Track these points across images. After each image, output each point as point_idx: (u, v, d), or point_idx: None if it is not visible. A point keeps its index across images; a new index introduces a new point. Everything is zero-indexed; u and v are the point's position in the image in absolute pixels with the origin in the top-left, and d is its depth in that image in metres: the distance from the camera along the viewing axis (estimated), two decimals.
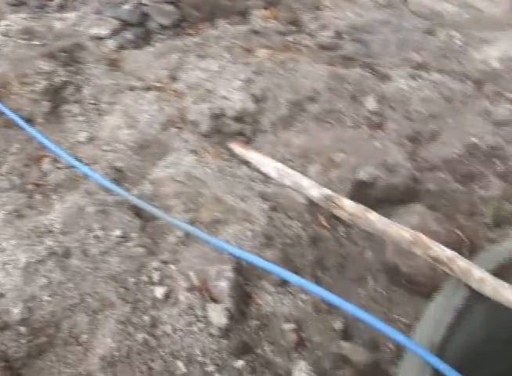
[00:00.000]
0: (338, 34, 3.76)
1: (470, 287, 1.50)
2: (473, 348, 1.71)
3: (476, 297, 1.54)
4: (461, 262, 1.47)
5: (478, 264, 1.55)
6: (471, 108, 3.14)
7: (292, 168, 2.61)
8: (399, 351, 1.72)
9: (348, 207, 1.59)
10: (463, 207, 2.66)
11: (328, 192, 1.63)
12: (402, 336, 1.51)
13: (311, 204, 2.47)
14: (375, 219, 1.56)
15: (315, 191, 1.66)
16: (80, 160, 2.69)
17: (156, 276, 2.17)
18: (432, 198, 2.67)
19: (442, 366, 1.41)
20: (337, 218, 2.36)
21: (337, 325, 2.15)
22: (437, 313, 1.47)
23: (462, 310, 1.50)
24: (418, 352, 1.42)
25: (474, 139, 2.95)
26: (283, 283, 2.22)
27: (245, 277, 2.20)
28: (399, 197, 2.63)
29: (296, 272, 2.25)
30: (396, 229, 1.54)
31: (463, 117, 3.07)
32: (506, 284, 1.43)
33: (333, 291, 2.26)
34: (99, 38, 3.59)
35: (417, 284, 2.24)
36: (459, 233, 2.46)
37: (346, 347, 2.07)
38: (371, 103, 3.07)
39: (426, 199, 2.66)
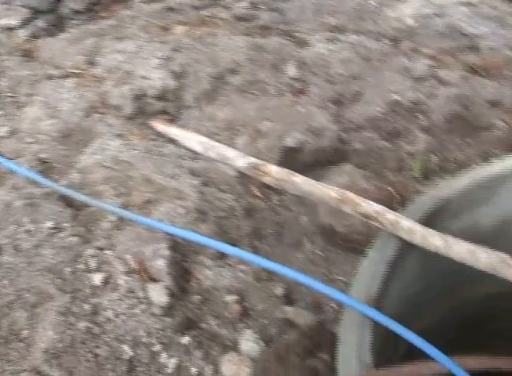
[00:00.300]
0: (253, 5, 3.75)
1: (400, 239, 1.53)
2: (410, 298, 1.75)
3: (408, 248, 1.57)
4: (389, 215, 1.49)
5: (406, 215, 1.58)
6: (390, 66, 3.18)
7: (219, 141, 2.60)
8: (342, 309, 1.75)
9: (274, 172, 1.60)
10: (391, 163, 2.71)
11: (253, 160, 1.64)
12: (339, 294, 1.53)
13: (243, 176, 2.47)
14: (301, 182, 1.57)
15: (241, 161, 1.66)
16: (3, 156, 2.62)
17: (93, 264, 2.14)
18: (360, 157, 2.71)
19: (382, 318, 1.43)
20: (269, 187, 2.37)
21: (279, 291, 2.17)
22: (371, 267, 1.49)
23: (395, 262, 1.53)
24: (356, 308, 1.44)
25: (395, 96, 2.99)
26: (222, 256, 2.22)
27: (182, 254, 2.20)
28: (328, 158, 2.66)
29: (233, 244, 2.26)
30: (322, 188, 1.56)
31: (382, 75, 3.11)
32: (433, 232, 1.46)
33: (271, 258, 2.29)
34: (10, 29, 3.48)
35: (353, 242, 2.28)
36: (389, 188, 2.51)
37: (290, 311, 2.09)
38: (292, 70, 3.08)
39: (354, 158, 2.70)
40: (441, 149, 2.81)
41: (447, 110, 2.93)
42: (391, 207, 1.83)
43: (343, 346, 1.38)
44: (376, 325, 1.44)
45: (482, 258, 1.37)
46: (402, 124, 2.88)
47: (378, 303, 1.45)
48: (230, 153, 1.75)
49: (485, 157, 2.70)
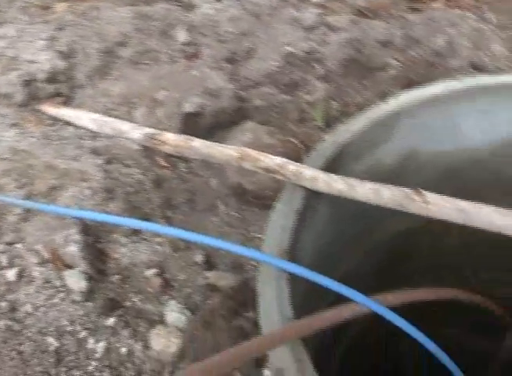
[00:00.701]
0: None
1: (306, 188, 1.53)
2: (323, 248, 1.77)
3: (314, 197, 1.57)
4: (291, 166, 1.49)
5: (309, 164, 1.58)
6: (279, 19, 3.16)
7: (117, 116, 2.54)
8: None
9: (171, 140, 1.57)
10: (292, 115, 2.72)
11: (149, 130, 1.60)
12: (252, 252, 1.53)
13: (147, 148, 2.43)
14: (199, 146, 1.55)
15: (136, 133, 1.62)
16: None
17: (4, 260, 2.07)
18: (261, 113, 2.70)
19: (296, 269, 1.43)
20: (175, 156, 2.34)
21: (199, 258, 2.16)
22: (280, 220, 1.49)
23: (303, 212, 1.53)
24: (270, 262, 1.44)
25: (288, 48, 2.99)
26: (136, 231, 2.19)
27: (94, 236, 2.14)
28: (229, 119, 2.63)
29: (146, 217, 2.23)
30: (222, 149, 1.54)
31: (273, 29, 3.10)
32: (335, 177, 1.47)
33: (187, 226, 2.28)
34: None
35: (264, 198, 2.28)
36: (293, 140, 2.52)
37: (211, 276, 2.09)
38: (182, 35, 3.03)
39: (256, 115, 2.69)
40: (340, 94, 2.83)
41: (340, 55, 2.95)
42: (297, 158, 1.84)
43: (263, 302, 1.37)
44: (294, 277, 1.45)
45: (386, 195, 1.39)
46: (298, 75, 2.89)
47: (292, 255, 1.46)
48: (125, 126, 1.70)
49: (383, 97, 2.74)
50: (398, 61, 2.97)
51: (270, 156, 1.53)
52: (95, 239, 2.14)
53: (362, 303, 1.41)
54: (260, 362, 1.75)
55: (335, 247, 1.88)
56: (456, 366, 1.79)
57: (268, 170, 1.50)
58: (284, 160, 1.52)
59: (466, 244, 2.16)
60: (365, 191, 1.41)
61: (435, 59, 2.98)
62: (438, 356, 1.65)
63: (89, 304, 1.96)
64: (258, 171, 1.53)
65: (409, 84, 2.77)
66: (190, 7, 3.25)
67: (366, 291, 1.65)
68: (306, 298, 1.60)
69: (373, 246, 2.09)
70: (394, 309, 1.51)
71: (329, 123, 2.66)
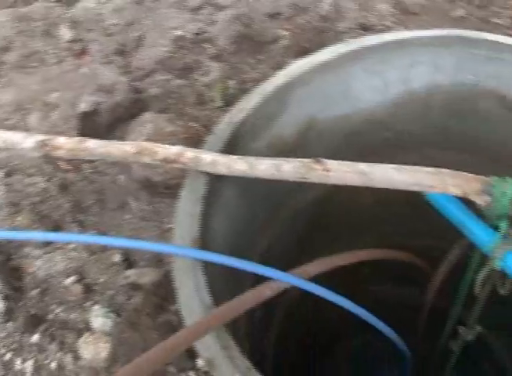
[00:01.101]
0: None
1: (208, 173, 1.51)
2: (239, 229, 1.76)
3: (218, 181, 1.56)
4: (189, 153, 1.46)
5: (208, 148, 1.56)
6: (164, 3, 3.11)
7: (12, 125, 2.45)
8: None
9: (64, 144, 1.51)
10: (191, 99, 2.68)
11: (40, 137, 1.53)
12: (164, 246, 1.51)
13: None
14: (94, 145, 1.50)
15: (29, 142, 1.55)
16: None
17: None
18: (159, 102, 2.66)
19: (211, 256, 1.42)
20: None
21: (117, 257, 2.12)
22: (187, 209, 1.47)
23: (209, 198, 1.52)
24: (183, 254, 1.42)
25: (177, 32, 2.95)
26: (48, 242, 2.13)
27: (5, 253, 2.08)
28: (127, 113, 2.57)
29: (56, 225, 2.17)
30: (117, 146, 1.49)
31: (159, 14, 3.05)
32: (235, 158, 1.46)
33: (100, 227, 2.23)
34: None
35: (174, 187, 2.24)
36: (195, 125, 2.50)
37: (132, 274, 2.05)
38: (66, 33, 2.94)
39: (154, 105, 2.64)
40: (235, 72, 2.81)
41: (230, 32, 2.94)
42: (200, 142, 1.81)
43: (182, 294, 1.36)
44: (210, 264, 1.43)
45: (287, 168, 1.38)
46: (191, 57, 2.86)
47: (204, 242, 1.44)
48: (15, 136, 1.62)
49: (279, 69, 2.74)
50: (288, 31, 2.97)
51: (166, 146, 1.50)
52: (6, 257, 2.07)
53: (281, 279, 1.41)
54: (192, 353, 1.73)
55: (251, 226, 1.87)
56: (385, 324, 1.83)
57: (166, 161, 1.47)
58: (181, 148, 1.49)
59: (382, 202, 2.19)
60: (266, 168, 1.40)
61: (324, 24, 2.99)
62: (365, 318, 1.68)
63: (10, 324, 1.90)
64: (157, 163, 1.50)
65: (303, 52, 2.77)
66: (70, 2, 3.16)
67: (291, 262, 1.66)
68: (228, 282, 1.59)
69: (290, 218, 2.09)
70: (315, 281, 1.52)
71: (229, 102, 2.64)
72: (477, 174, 1.34)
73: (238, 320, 1.54)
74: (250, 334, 1.86)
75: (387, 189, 1.38)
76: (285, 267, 1.54)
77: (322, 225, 2.25)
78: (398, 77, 1.89)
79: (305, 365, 3.21)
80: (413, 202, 1.63)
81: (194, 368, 1.81)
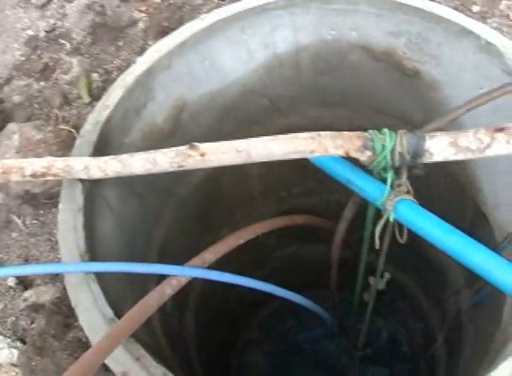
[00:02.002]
0: None
1: (84, 180, 1.43)
2: (130, 229, 1.69)
3: (96, 185, 1.48)
4: (59, 163, 1.37)
5: (77, 153, 1.47)
6: (9, 4, 2.93)
7: None
8: None
9: None
10: (56, 101, 2.55)
11: None
12: (51, 266, 1.42)
13: None
14: None
15: None
16: None
17: None
18: (23, 110, 2.52)
19: (101, 266, 1.34)
20: None
21: (11, 282, 2.00)
22: (69, 222, 1.39)
23: (90, 204, 1.44)
24: (73, 270, 1.34)
25: (28, 32, 2.79)
26: None
27: None
28: None
29: None
30: None
31: (4, 17, 2.87)
32: (106, 158, 1.37)
33: None
34: None
35: (56, 197, 2.14)
36: (65, 127, 2.38)
37: (30, 295, 1.95)
38: None
39: (18, 114, 2.50)
40: (98, 64, 2.70)
41: (84, 23, 2.82)
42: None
43: (80, 311, 1.28)
44: (104, 274, 1.36)
45: (162, 160, 1.32)
46: (48, 56, 2.72)
47: (93, 252, 1.37)
48: None
49: (142, 53, 2.65)
50: (144, 12, 2.87)
51: (33, 160, 1.40)
52: None
53: (179, 274, 1.36)
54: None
55: (144, 221, 1.81)
56: (294, 294, 1.83)
57: (36, 176, 1.37)
58: (49, 159, 1.40)
59: (270, 170, 2.17)
60: (141, 164, 1.33)
61: (178, 1, 2.91)
62: (272, 292, 1.66)
63: None
64: (28, 179, 1.40)
65: (163, 31, 2.70)
66: None
67: (194, 246, 1.61)
68: (132, 284, 1.53)
69: (182, 204, 2.04)
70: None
71: (96, 96, 2.53)
72: (362, 127, 1.32)
73: (150, 321, 1.49)
74: (166, 329, 1.81)
75: None
76: (189, 253, 1.50)
77: (216, 204, 2.22)
78: (262, 44, 1.85)
79: (230, 339, 3.21)
80: (301, 164, 1.60)
81: None
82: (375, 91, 1.91)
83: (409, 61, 1.76)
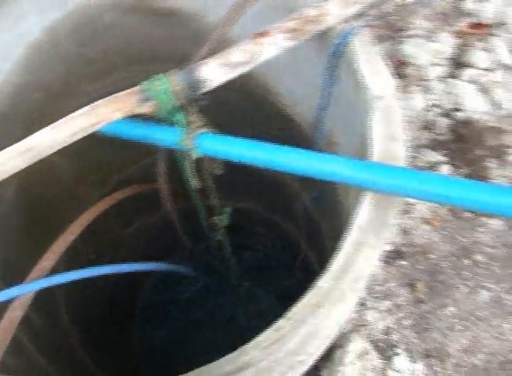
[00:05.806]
0: None
1: None
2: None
3: None
4: None
5: None
6: None
7: None
8: None
9: None
10: None
11: None
12: None
13: None
14: None
15: None
16: None
17: None
18: None
19: None
20: None
21: None
22: None
23: None
24: None
25: None
26: None
27: None
28: None
29: None
30: None
31: None
32: None
33: None
34: None
35: None
36: None
37: None
38: None
39: None
40: None
41: None
42: None
43: None
44: None
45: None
46: None
47: None
48: None
49: None
50: None
51: None
52: None
53: (21, 294, 1.30)
54: None
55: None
56: (155, 264, 1.81)
57: None
58: None
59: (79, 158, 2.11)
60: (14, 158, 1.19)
61: None
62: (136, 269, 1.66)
63: None
64: None
65: None
66: None
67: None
68: None
69: (4, 221, 1.93)
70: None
71: None
72: None
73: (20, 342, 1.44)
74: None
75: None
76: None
77: (44, 206, 2.12)
78: None
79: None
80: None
81: None
82: (142, 43, 1.87)
83: (160, 1, 1.73)
